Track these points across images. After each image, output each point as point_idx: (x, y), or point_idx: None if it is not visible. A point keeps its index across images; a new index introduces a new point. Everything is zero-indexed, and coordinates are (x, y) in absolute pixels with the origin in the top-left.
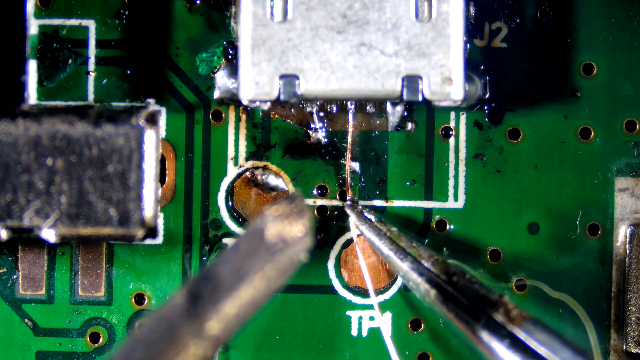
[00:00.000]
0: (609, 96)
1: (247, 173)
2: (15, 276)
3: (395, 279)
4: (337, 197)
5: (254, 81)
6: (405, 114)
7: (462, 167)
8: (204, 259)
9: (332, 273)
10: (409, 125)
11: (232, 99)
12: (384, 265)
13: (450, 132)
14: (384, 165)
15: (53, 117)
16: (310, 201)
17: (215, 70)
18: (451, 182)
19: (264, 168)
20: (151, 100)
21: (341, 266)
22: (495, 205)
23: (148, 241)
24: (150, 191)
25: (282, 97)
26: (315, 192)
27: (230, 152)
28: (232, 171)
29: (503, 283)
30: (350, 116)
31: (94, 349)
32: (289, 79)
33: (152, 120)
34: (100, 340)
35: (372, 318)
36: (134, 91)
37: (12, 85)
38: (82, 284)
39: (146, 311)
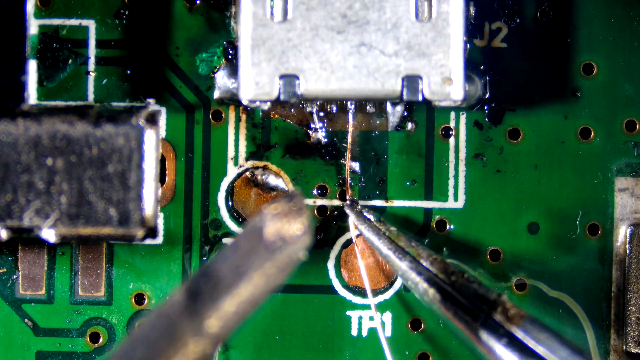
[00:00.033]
0: (609, 96)
1: (247, 173)
2: (15, 276)
3: (395, 279)
4: (337, 197)
5: (254, 81)
6: (405, 114)
7: (462, 167)
8: (204, 259)
9: (332, 273)
10: (409, 125)
11: (232, 99)
12: (383, 265)
13: (450, 132)
14: (384, 165)
15: (53, 117)
16: (310, 201)
17: (215, 70)
18: (451, 182)
19: (264, 168)
20: (151, 100)
21: (341, 266)
22: (495, 205)
23: (148, 241)
24: (150, 191)
25: (282, 97)
26: (315, 192)
27: (230, 152)
28: (232, 171)
29: (503, 283)
30: (350, 116)
31: (94, 349)
32: (289, 79)
33: (152, 120)
34: (100, 340)
35: (372, 318)
36: (134, 91)
37: (12, 85)
38: (82, 284)
39: (146, 311)
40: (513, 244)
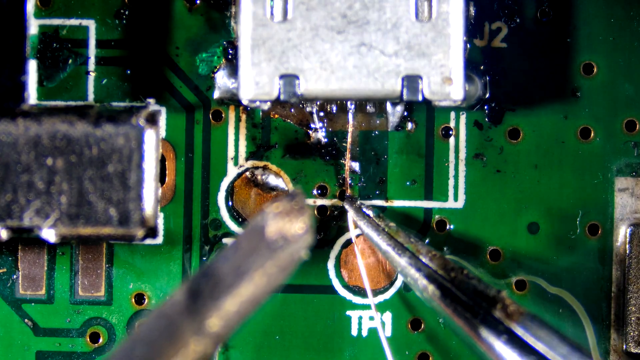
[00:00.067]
0: (609, 96)
1: (247, 173)
2: (15, 276)
3: (396, 279)
4: (337, 197)
5: (254, 81)
6: (405, 114)
7: (462, 167)
8: (204, 259)
9: (332, 273)
10: (409, 125)
11: (232, 99)
12: (383, 265)
13: (450, 132)
14: (384, 165)
15: (53, 117)
16: (310, 201)
17: (215, 70)
18: (451, 182)
19: (264, 168)
20: (151, 100)
21: (341, 266)
22: (495, 205)
23: (148, 241)
24: (150, 191)
25: (282, 97)
26: (315, 192)
27: (230, 152)
28: (232, 171)
29: (503, 283)
30: (350, 116)
31: (94, 349)
32: (289, 78)
33: (152, 120)
34: (100, 340)
35: (372, 318)
36: (134, 91)
37: (12, 85)
38: (82, 284)
39: (146, 311)
40: (513, 243)
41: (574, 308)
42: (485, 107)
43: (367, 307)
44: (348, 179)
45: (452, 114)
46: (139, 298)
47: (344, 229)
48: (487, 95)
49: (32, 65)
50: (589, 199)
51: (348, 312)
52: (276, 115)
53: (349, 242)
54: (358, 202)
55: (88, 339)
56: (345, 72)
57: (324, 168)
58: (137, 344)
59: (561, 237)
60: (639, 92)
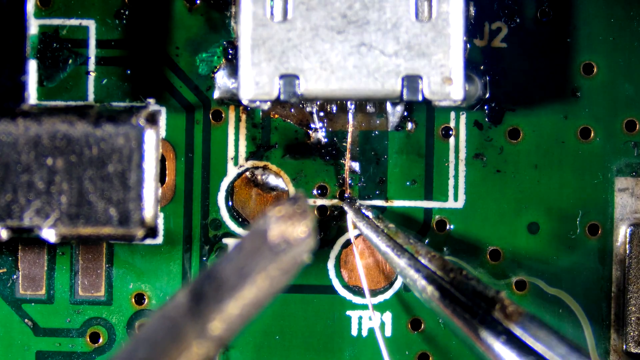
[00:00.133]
0: (609, 96)
1: (247, 173)
2: (15, 276)
3: (395, 279)
4: (337, 197)
5: (254, 81)
6: (405, 114)
7: (462, 167)
8: (204, 259)
9: (332, 273)
10: (409, 125)
11: (232, 99)
12: (383, 265)
13: (450, 132)
14: (384, 165)
15: (53, 117)
16: (310, 201)
17: (215, 70)
18: (451, 182)
19: (264, 168)
20: (151, 100)
21: (341, 266)
22: (495, 205)
23: (148, 241)
24: (150, 191)
25: (282, 97)
26: (315, 192)
27: (230, 152)
28: (232, 171)
29: (503, 283)
30: (350, 116)
31: (94, 349)
32: (289, 78)
33: (152, 120)
34: (100, 340)
35: (372, 318)
36: (134, 91)
37: (12, 85)
38: (82, 284)
39: (146, 311)
40: (513, 243)
41: (572, 307)
42: (485, 107)
43: (367, 307)
44: (348, 179)
45: (452, 114)
46: (139, 298)
47: (344, 229)
48: (487, 95)
49: (32, 65)
50: (589, 199)
51: (348, 312)
52: (276, 115)
53: (349, 242)
54: (357, 203)
55: (88, 339)
56: (345, 72)
57: (324, 168)
58: (139, 346)
59: (561, 237)
60: (639, 92)
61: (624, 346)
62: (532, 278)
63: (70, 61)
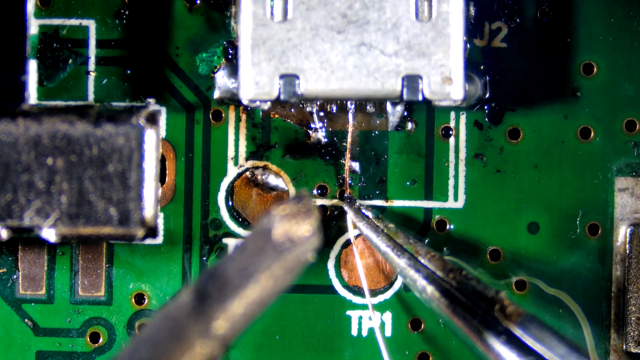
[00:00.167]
0: (609, 96)
1: (247, 173)
2: (15, 276)
3: (395, 279)
4: (337, 197)
5: (254, 81)
6: (405, 113)
7: (462, 167)
8: (204, 259)
9: (332, 273)
10: (409, 125)
11: (232, 99)
12: (383, 265)
13: (450, 132)
14: (384, 165)
15: (53, 117)
16: None
17: (215, 70)
18: (451, 182)
19: (264, 168)
20: (151, 100)
21: (341, 266)
22: (495, 205)
23: (148, 241)
24: (150, 191)
25: (282, 97)
26: (315, 192)
27: (230, 152)
28: (232, 171)
29: (503, 283)
30: (350, 116)
31: (94, 349)
32: (289, 78)
33: (152, 120)
34: (100, 340)
35: (372, 318)
36: (134, 91)
37: (12, 85)
38: (82, 283)
39: (146, 311)
40: (513, 243)
41: (570, 307)
42: (485, 107)
43: (367, 307)
44: (348, 179)
45: (452, 114)
46: (139, 298)
47: (344, 229)
48: (487, 95)
49: (32, 65)
50: (589, 199)
51: (348, 312)
52: (276, 115)
53: (349, 242)
54: (357, 203)
55: (88, 339)
56: (345, 72)
57: (324, 168)
58: (143, 345)
59: (561, 237)
60: (639, 92)
61: (624, 346)
62: (532, 278)
63: (70, 61)
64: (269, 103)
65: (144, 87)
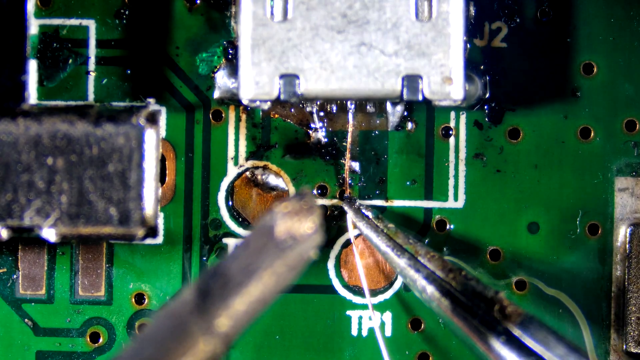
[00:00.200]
0: (609, 96)
1: (247, 173)
2: (15, 276)
3: (395, 279)
4: (337, 197)
5: (254, 81)
6: (405, 113)
7: (462, 167)
8: (204, 258)
9: (332, 273)
10: (409, 125)
11: (232, 99)
12: (383, 265)
13: (450, 132)
14: (384, 165)
15: (53, 117)
16: None
17: (215, 70)
18: (451, 182)
19: (264, 168)
20: (151, 100)
21: (341, 266)
22: (495, 205)
23: (148, 241)
24: (150, 190)
25: (282, 97)
26: (315, 192)
27: (230, 152)
28: (232, 171)
29: (503, 283)
30: (350, 116)
31: (94, 349)
32: (289, 78)
33: (153, 119)
34: (100, 340)
35: (372, 318)
36: (134, 91)
37: (13, 85)
38: (82, 283)
39: (146, 311)
40: (513, 243)
41: (569, 307)
42: (485, 107)
43: (367, 307)
44: (348, 179)
45: (452, 114)
46: (139, 298)
47: (344, 229)
48: (487, 95)
49: (33, 65)
50: (589, 199)
51: (348, 312)
52: (276, 115)
53: (349, 242)
54: (357, 203)
55: (88, 339)
56: (345, 72)
57: (324, 168)
58: (146, 343)
59: (561, 237)
60: (639, 92)
61: (624, 346)
62: (532, 278)
63: (70, 61)
64: (269, 103)
65: (144, 87)
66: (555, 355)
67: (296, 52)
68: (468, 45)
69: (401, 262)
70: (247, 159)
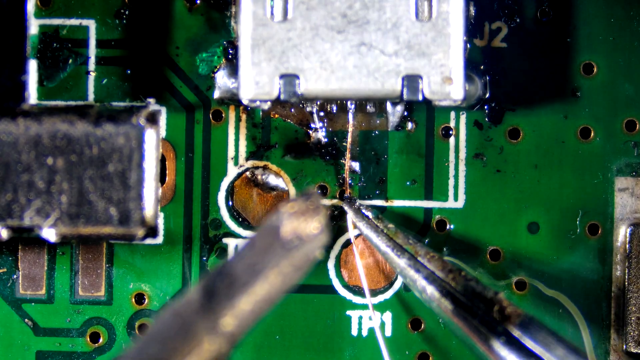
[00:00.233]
0: (609, 96)
1: (247, 173)
2: (15, 276)
3: (395, 279)
4: (337, 197)
5: (254, 81)
6: (405, 113)
7: (462, 167)
8: (204, 259)
9: (332, 273)
10: (409, 125)
11: (232, 99)
12: (383, 265)
13: (450, 132)
14: (384, 165)
15: (53, 117)
16: None
17: (215, 70)
18: (451, 182)
19: (264, 168)
20: (151, 100)
21: (341, 266)
22: (495, 205)
23: (148, 241)
24: (150, 190)
25: (282, 97)
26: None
27: (231, 152)
28: (232, 171)
29: (503, 283)
30: (350, 116)
31: (94, 349)
32: (289, 78)
33: (153, 119)
34: (100, 340)
35: (372, 318)
36: (134, 91)
37: (13, 85)
38: (82, 283)
39: (146, 311)
40: (513, 243)
41: (568, 308)
42: (485, 107)
43: (367, 307)
44: (348, 179)
45: (452, 114)
46: (139, 298)
47: (344, 229)
48: (487, 95)
49: (33, 65)
50: (589, 199)
51: (348, 312)
52: (276, 115)
53: (349, 242)
54: (357, 203)
55: (88, 339)
56: (345, 72)
57: (324, 168)
58: (151, 343)
59: (561, 237)
60: (639, 92)
61: (624, 346)
62: (531, 279)
63: (70, 61)
64: (269, 103)
65: (144, 87)
66: (555, 356)
67: (296, 52)
68: (468, 45)
69: (401, 262)
70: (247, 159)
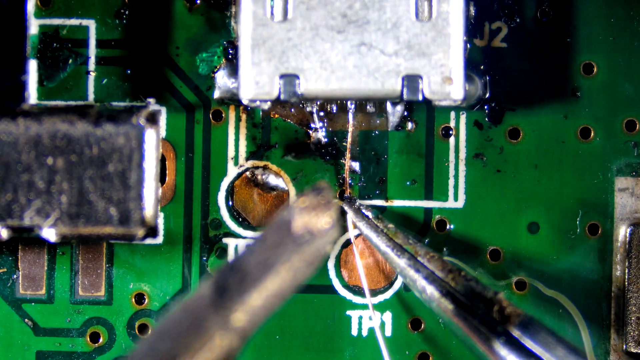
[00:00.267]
0: (609, 96)
1: (247, 173)
2: (15, 276)
3: (395, 279)
4: (337, 197)
5: (254, 81)
6: (405, 113)
7: (462, 167)
8: (204, 259)
9: (332, 273)
10: (409, 125)
11: (232, 99)
12: (383, 265)
13: (450, 132)
14: (384, 165)
15: (53, 117)
16: None
17: (215, 70)
18: (451, 181)
19: (264, 168)
20: (151, 100)
21: (341, 266)
22: (495, 205)
23: (148, 241)
24: (150, 190)
25: (282, 97)
26: None
27: (231, 152)
28: (232, 171)
29: (503, 283)
30: (350, 116)
31: (94, 349)
32: (289, 78)
33: (153, 119)
34: (101, 340)
35: (372, 318)
36: (134, 91)
37: (13, 85)
38: (82, 283)
39: (146, 311)
40: (513, 243)
41: (568, 308)
42: (485, 107)
43: (367, 307)
44: (348, 179)
45: (452, 114)
46: (139, 298)
47: (344, 229)
48: (487, 95)
49: (33, 65)
50: (589, 199)
51: (348, 312)
52: (276, 115)
53: (349, 242)
54: (357, 203)
55: (88, 339)
56: (345, 72)
57: (324, 168)
58: (162, 338)
59: (561, 237)
60: (639, 92)
61: (624, 346)
62: (531, 279)
63: (70, 61)
64: (269, 103)
65: (144, 87)
66: (555, 356)
67: (296, 52)
68: (468, 45)
69: (401, 262)
70: (247, 159)
